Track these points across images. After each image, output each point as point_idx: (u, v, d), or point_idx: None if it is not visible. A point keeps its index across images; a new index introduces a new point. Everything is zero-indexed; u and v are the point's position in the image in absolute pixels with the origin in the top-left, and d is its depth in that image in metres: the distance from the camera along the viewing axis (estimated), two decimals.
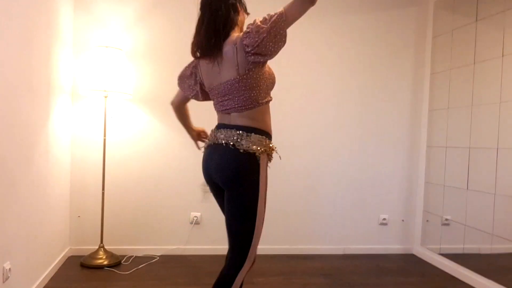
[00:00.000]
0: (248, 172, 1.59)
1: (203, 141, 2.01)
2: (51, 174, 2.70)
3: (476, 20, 3.04)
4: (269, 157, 1.68)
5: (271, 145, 1.68)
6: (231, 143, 1.60)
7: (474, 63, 3.04)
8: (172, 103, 1.96)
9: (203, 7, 1.69)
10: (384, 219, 3.65)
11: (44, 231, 2.60)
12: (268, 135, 1.68)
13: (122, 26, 3.23)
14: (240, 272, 1.62)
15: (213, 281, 2.36)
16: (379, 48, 3.60)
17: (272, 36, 1.50)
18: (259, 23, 1.52)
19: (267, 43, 1.51)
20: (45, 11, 2.49)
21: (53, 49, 2.68)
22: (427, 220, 3.54)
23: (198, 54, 1.72)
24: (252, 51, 1.53)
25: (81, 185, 3.21)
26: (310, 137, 3.52)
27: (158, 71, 3.29)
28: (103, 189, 3.07)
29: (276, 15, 1.50)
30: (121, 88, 2.94)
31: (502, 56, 2.78)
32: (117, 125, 3.25)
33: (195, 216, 3.37)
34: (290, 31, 1.43)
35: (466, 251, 3.12)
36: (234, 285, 1.62)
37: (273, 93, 1.76)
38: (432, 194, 3.50)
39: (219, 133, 1.67)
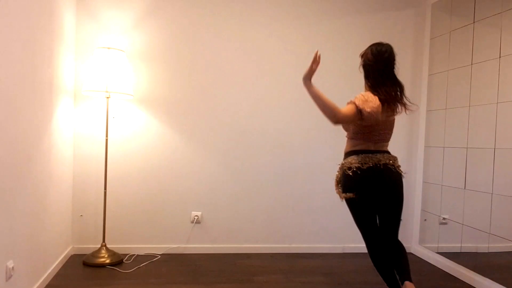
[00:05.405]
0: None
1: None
2: (53, 174, 2.73)
3: (474, 22, 3.07)
4: None
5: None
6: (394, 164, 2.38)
7: (472, 64, 3.07)
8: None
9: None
10: None
11: (47, 230, 2.63)
12: None
13: (123, 28, 3.27)
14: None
15: (213, 279, 2.40)
16: None
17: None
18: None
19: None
20: (48, 14, 2.53)
21: (56, 51, 2.71)
22: (425, 219, 3.57)
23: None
24: None
25: (83, 184, 3.25)
26: (309, 137, 3.55)
27: (159, 72, 3.32)
28: (105, 188, 3.11)
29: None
30: (122, 89, 2.97)
31: (499, 57, 2.80)
32: (119, 125, 3.29)
33: (196, 216, 3.40)
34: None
35: (463, 250, 3.14)
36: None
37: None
38: (430, 193, 3.53)
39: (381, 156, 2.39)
